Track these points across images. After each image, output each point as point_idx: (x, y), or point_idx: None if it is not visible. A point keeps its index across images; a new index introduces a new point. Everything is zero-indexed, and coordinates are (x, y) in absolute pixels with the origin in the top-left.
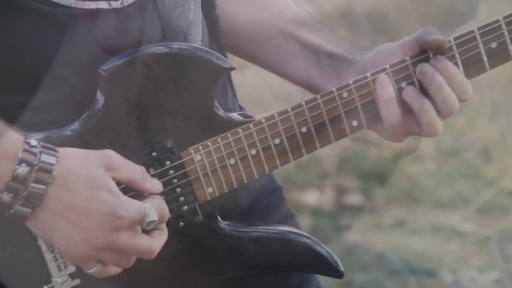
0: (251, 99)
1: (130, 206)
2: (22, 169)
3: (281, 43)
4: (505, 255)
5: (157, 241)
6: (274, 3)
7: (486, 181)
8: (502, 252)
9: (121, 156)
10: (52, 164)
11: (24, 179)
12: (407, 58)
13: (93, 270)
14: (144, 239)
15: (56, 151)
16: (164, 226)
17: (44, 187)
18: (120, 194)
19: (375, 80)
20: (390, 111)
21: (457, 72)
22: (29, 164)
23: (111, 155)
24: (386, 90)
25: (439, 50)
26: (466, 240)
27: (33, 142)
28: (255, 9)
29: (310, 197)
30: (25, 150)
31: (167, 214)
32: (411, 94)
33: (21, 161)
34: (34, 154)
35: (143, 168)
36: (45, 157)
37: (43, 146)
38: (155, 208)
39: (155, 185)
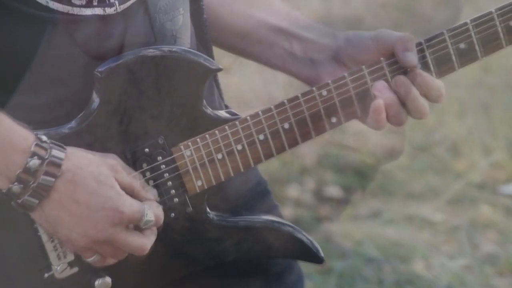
0: (236, 99)
1: (131, 204)
2: (34, 162)
3: (271, 39)
4: (473, 243)
5: (149, 240)
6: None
7: (454, 174)
8: (470, 240)
9: (123, 162)
10: (62, 159)
11: (34, 171)
12: (382, 59)
13: (91, 259)
14: (138, 237)
15: (65, 148)
16: (155, 228)
17: (53, 179)
18: (123, 192)
19: (353, 80)
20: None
21: (434, 82)
22: (40, 157)
23: (116, 159)
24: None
25: (410, 68)
26: (436, 229)
27: (44, 138)
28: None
29: (292, 191)
30: (37, 144)
31: (162, 218)
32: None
33: (33, 154)
34: (45, 149)
35: (141, 176)
36: (55, 152)
37: (52, 143)
38: (152, 211)
39: (152, 192)
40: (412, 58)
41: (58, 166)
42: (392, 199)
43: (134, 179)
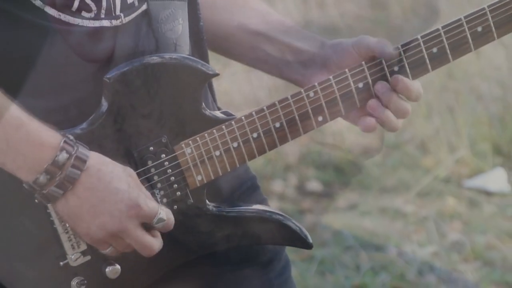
0: (225, 102)
1: (148, 201)
2: (62, 156)
3: (251, 43)
4: (440, 232)
5: (157, 242)
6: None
7: (423, 170)
8: (438, 230)
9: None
10: (87, 156)
11: (62, 164)
12: (363, 63)
13: (107, 251)
14: (149, 237)
15: (88, 148)
16: (161, 237)
17: (79, 172)
18: (142, 188)
19: (337, 82)
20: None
21: (413, 85)
22: (68, 152)
23: (132, 170)
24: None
25: (391, 59)
26: (407, 220)
27: (71, 137)
28: (223, 12)
29: (277, 186)
30: (65, 141)
31: (172, 222)
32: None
33: (62, 149)
34: (72, 145)
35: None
36: (81, 149)
37: (77, 142)
38: (165, 212)
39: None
40: (392, 52)
41: (84, 161)
42: (368, 192)
43: (146, 191)
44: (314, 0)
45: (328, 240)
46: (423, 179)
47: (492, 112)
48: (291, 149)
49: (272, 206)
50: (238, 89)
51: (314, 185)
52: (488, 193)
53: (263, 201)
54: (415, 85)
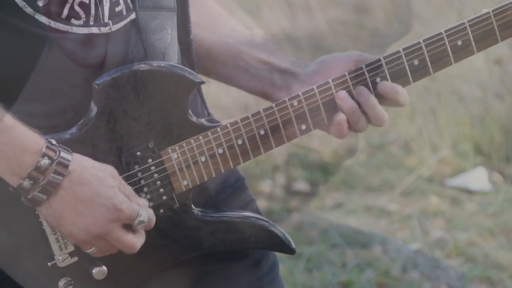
0: (214, 106)
1: (128, 204)
2: (44, 161)
3: (236, 62)
4: (424, 229)
5: (139, 240)
6: (224, 26)
7: (407, 169)
8: (422, 227)
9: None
10: (69, 161)
11: (44, 170)
12: (346, 73)
13: (90, 250)
14: (131, 236)
15: (71, 152)
16: (143, 232)
17: (61, 178)
18: (122, 193)
19: (321, 92)
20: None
21: (401, 88)
22: (50, 158)
23: (113, 169)
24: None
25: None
26: (392, 218)
27: (53, 141)
28: (209, 32)
29: (265, 185)
30: (47, 147)
31: (153, 221)
32: (343, 97)
33: (44, 155)
34: (54, 151)
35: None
36: (63, 154)
37: (60, 146)
38: (146, 213)
39: (145, 200)
40: (372, 57)
41: (66, 166)
42: (353, 191)
43: (129, 186)
44: (300, 5)
45: (315, 238)
46: (406, 178)
47: (473, 113)
48: (279, 150)
49: (260, 206)
50: (227, 92)
51: (301, 185)
52: (469, 192)
53: (251, 202)
54: (400, 88)
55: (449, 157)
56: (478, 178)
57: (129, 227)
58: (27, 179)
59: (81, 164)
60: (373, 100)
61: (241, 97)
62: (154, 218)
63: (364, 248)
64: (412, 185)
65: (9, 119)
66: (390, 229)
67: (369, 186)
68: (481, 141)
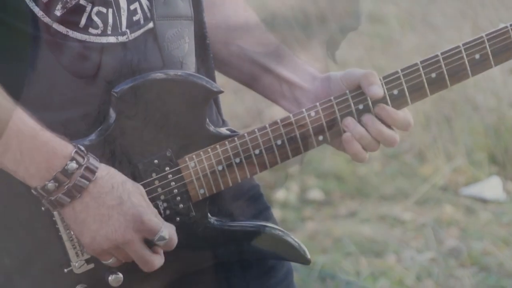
0: (229, 114)
1: (152, 217)
2: (72, 165)
3: (254, 73)
4: (438, 238)
5: (157, 259)
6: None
7: (421, 178)
8: (436, 236)
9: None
10: (97, 167)
11: (71, 173)
12: (347, 92)
13: (109, 262)
14: (150, 253)
15: (98, 160)
16: (162, 253)
17: (87, 182)
18: (146, 205)
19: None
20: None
21: (398, 114)
22: (78, 162)
23: (143, 189)
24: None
25: (376, 98)
26: (406, 227)
27: (82, 148)
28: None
29: (279, 194)
30: (76, 152)
31: (175, 242)
32: (349, 124)
33: (73, 159)
34: (83, 156)
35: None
36: (92, 160)
37: (88, 153)
38: (168, 231)
39: (168, 223)
40: (377, 90)
41: (93, 172)
42: (367, 200)
43: (155, 209)
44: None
45: (329, 247)
46: (421, 187)
47: (487, 123)
48: (293, 159)
49: (274, 214)
50: (242, 101)
51: (315, 194)
52: (484, 201)
53: (266, 210)
54: (400, 115)
55: (463, 166)
56: (492, 187)
57: (149, 244)
58: (52, 181)
59: (109, 171)
60: (379, 127)
61: (255, 105)
62: (175, 239)
63: (378, 257)
64: (426, 194)
65: (37, 126)
66: (404, 238)
67: (383, 195)
68: (495, 150)
